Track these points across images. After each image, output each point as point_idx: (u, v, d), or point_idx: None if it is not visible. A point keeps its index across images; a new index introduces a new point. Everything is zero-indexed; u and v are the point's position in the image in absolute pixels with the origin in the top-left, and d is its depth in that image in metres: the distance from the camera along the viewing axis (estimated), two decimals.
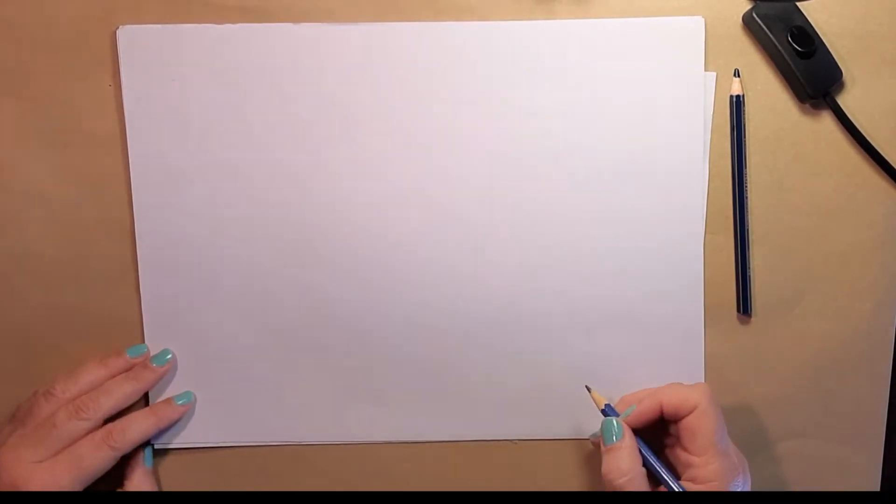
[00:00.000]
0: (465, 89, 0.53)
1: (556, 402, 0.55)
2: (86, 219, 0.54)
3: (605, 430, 0.50)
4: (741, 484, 0.49)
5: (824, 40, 0.53)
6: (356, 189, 0.53)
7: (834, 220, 0.55)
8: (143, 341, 0.54)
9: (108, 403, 0.51)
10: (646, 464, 0.50)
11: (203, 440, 0.55)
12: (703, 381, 0.55)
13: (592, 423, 0.54)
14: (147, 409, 0.54)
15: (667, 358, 0.55)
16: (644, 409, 0.50)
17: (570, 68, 0.53)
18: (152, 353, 0.54)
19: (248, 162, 0.53)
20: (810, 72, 0.53)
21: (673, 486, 0.49)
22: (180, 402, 0.54)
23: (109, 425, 0.52)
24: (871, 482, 0.56)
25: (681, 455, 0.50)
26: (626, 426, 0.50)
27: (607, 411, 0.51)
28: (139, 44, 0.52)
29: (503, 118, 0.53)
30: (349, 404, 0.54)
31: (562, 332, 0.54)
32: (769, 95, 0.54)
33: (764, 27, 0.53)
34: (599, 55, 0.53)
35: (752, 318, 0.55)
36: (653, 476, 0.50)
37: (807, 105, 0.54)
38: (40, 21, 0.53)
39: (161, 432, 0.54)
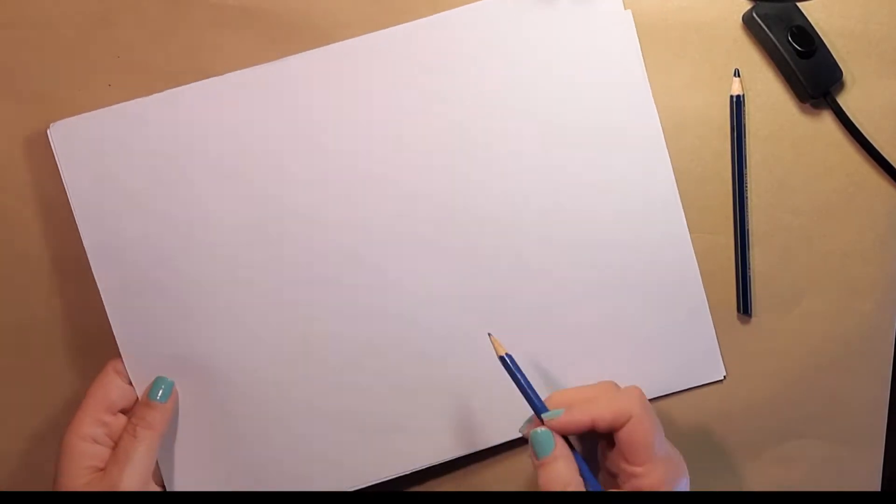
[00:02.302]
0: (426, 87, 0.53)
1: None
2: None
3: (535, 443, 0.47)
4: (685, 484, 0.48)
5: (824, 40, 0.53)
6: (330, 211, 0.53)
7: (834, 220, 0.55)
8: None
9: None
10: (583, 475, 0.47)
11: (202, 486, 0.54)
12: (722, 374, 0.55)
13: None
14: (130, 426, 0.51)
15: (681, 357, 0.54)
16: (573, 420, 0.47)
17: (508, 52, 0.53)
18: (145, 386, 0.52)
19: (209, 224, 0.53)
20: (810, 72, 0.53)
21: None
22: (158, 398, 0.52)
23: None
24: (872, 482, 0.56)
25: (622, 465, 0.47)
26: (557, 436, 0.47)
27: (507, 360, 0.49)
28: (75, 136, 0.52)
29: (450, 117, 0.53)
30: (369, 439, 0.53)
31: (562, 338, 0.54)
32: (769, 95, 0.54)
33: (764, 27, 0.53)
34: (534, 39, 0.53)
35: (752, 318, 0.55)
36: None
37: (807, 105, 0.54)
38: (40, 21, 0.53)
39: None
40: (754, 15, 0.53)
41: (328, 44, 0.53)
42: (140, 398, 0.52)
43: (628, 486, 0.47)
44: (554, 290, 0.54)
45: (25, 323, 0.54)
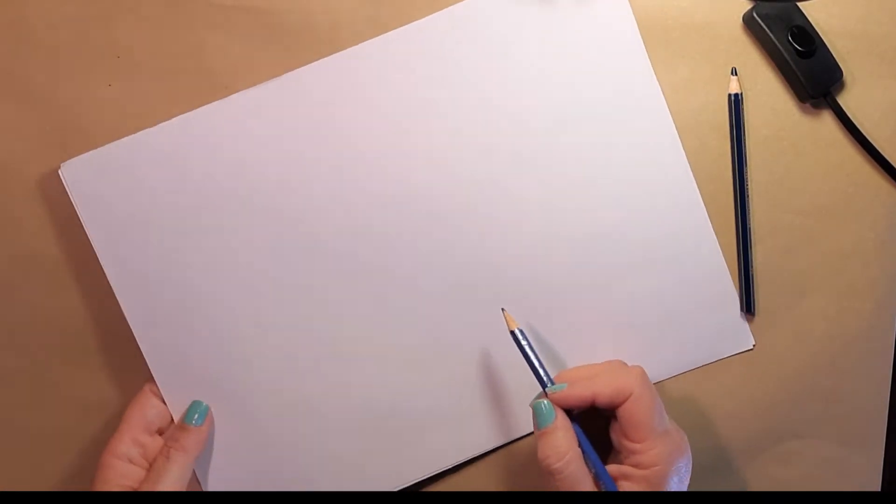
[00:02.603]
0: (441, 89, 0.53)
1: None
2: None
3: (536, 412, 0.49)
4: (685, 463, 0.49)
5: (824, 40, 0.53)
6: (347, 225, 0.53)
7: (834, 220, 0.55)
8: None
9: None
10: (583, 448, 0.49)
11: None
12: (751, 343, 0.55)
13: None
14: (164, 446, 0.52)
15: (709, 330, 0.55)
16: (576, 395, 0.49)
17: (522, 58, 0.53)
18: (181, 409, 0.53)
19: (231, 247, 0.53)
20: (810, 71, 0.53)
21: (605, 480, 0.48)
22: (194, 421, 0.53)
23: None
24: (872, 482, 0.56)
25: (623, 441, 0.49)
26: (558, 409, 0.49)
27: (517, 335, 0.50)
28: (86, 173, 0.52)
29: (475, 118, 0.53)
30: (404, 440, 0.54)
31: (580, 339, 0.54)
32: (769, 95, 0.54)
33: (764, 27, 0.53)
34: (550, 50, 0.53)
35: (753, 318, 0.55)
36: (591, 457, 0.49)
37: (807, 105, 0.54)
38: (40, 21, 0.53)
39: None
40: (754, 15, 0.53)
41: (327, 43, 0.53)
42: (176, 422, 0.53)
43: (628, 462, 0.48)
44: (577, 276, 0.54)
45: (31, 324, 0.54)
